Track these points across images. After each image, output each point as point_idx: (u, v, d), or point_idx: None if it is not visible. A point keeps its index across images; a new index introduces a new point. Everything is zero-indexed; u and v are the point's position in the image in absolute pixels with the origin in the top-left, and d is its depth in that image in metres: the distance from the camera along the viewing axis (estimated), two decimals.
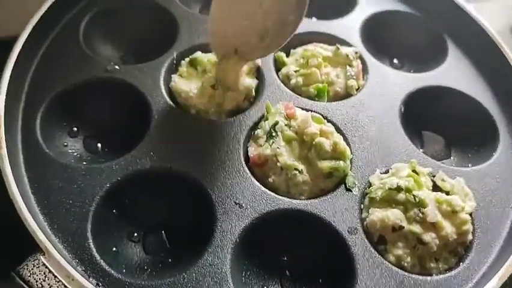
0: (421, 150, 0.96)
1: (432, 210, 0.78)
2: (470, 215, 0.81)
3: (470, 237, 0.80)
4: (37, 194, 0.79)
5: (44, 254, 0.70)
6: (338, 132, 0.90)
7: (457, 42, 1.09)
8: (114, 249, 0.80)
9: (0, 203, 0.75)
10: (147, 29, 1.07)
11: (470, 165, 0.92)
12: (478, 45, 1.06)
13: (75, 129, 0.94)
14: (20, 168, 0.81)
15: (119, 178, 0.82)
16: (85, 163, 0.89)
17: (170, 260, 0.81)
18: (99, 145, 0.94)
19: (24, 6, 0.98)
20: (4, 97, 0.84)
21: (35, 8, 0.97)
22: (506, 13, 1.59)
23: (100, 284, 0.72)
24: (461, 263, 0.78)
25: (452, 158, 0.97)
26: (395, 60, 1.13)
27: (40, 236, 0.71)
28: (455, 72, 1.03)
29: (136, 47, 1.06)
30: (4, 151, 0.78)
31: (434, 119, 1.00)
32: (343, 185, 0.84)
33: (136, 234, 0.84)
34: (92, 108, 0.94)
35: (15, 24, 0.95)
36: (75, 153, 0.91)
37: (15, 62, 0.88)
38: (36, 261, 0.69)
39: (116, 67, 0.96)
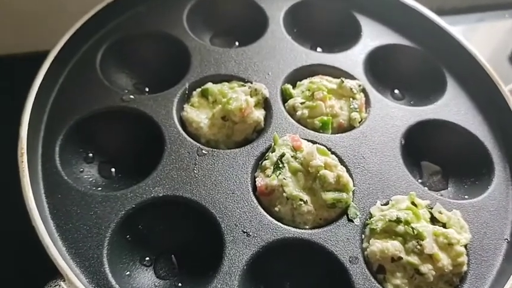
0: (420, 180, 1.01)
1: (429, 243, 0.82)
2: (466, 246, 0.86)
3: (465, 268, 0.84)
4: (56, 220, 0.84)
5: (64, 280, 0.74)
6: (342, 164, 0.94)
7: (455, 75, 1.14)
8: (127, 273, 0.84)
9: (20, 229, 0.80)
10: (160, 58, 1.12)
11: (466, 196, 0.97)
12: (474, 78, 1.11)
13: (91, 155, 0.98)
14: (41, 196, 0.86)
15: (133, 206, 0.86)
16: (100, 188, 0.93)
17: (180, 285, 0.85)
18: (113, 170, 0.99)
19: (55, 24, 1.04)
20: (27, 127, 0.88)
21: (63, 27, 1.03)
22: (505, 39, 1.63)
23: None
24: None
25: (449, 188, 1.02)
26: (396, 91, 1.18)
27: (61, 262, 0.75)
28: (453, 106, 1.08)
29: (150, 76, 1.11)
30: (27, 179, 0.83)
31: (432, 151, 1.04)
32: (345, 216, 0.89)
33: (148, 259, 0.88)
34: (108, 135, 0.99)
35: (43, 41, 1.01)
36: (90, 179, 0.95)
37: (37, 92, 0.93)
38: (57, 287, 0.74)
39: (131, 97, 1.00)
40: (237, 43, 1.22)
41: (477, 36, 1.64)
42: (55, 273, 0.76)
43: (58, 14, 1.22)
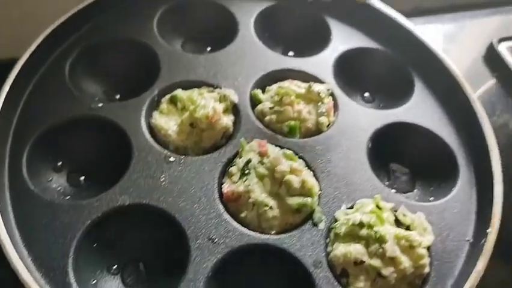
0: (388, 182, 1.02)
1: (391, 246, 0.83)
2: (428, 248, 0.87)
3: (427, 269, 0.85)
4: (22, 230, 0.84)
5: None
6: (309, 168, 0.95)
7: (423, 78, 1.14)
8: (93, 281, 0.85)
9: None
10: (130, 65, 1.12)
11: (432, 198, 0.98)
12: (441, 81, 1.12)
13: (59, 164, 0.98)
14: (7, 207, 0.86)
15: (99, 214, 0.87)
16: (68, 197, 0.94)
17: None
18: (82, 179, 0.99)
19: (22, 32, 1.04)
20: None
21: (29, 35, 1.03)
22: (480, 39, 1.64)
23: None
24: None
25: (415, 190, 1.03)
26: (366, 94, 1.19)
27: (25, 276, 0.76)
28: (420, 108, 1.09)
29: (120, 83, 1.11)
30: None
31: (400, 153, 1.05)
32: (310, 220, 0.90)
33: (115, 267, 0.88)
34: (76, 144, 0.99)
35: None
36: (59, 188, 0.96)
37: (3, 102, 0.93)
38: None
39: (100, 105, 1.01)
40: (208, 48, 1.23)
41: (453, 36, 1.65)
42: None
43: (24, 22, 1.23)
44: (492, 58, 1.46)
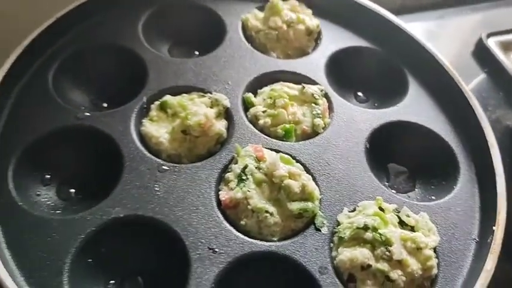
0: (387, 183, 1.00)
1: (397, 249, 0.81)
2: (435, 249, 0.85)
3: (435, 271, 0.83)
4: (12, 249, 0.80)
5: None
6: (307, 172, 0.93)
7: (416, 75, 1.13)
8: None
9: None
10: (116, 72, 1.09)
11: (433, 197, 0.97)
12: (435, 78, 1.11)
13: (48, 177, 0.94)
14: None
15: (93, 228, 0.83)
16: (59, 211, 0.90)
17: None
18: (72, 191, 0.95)
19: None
20: None
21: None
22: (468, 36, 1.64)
23: None
24: None
25: (416, 189, 1.01)
26: (360, 94, 1.18)
27: None
28: (415, 106, 1.07)
29: (107, 91, 1.07)
30: None
31: (398, 153, 1.04)
32: (313, 225, 0.87)
33: (113, 282, 0.85)
34: (64, 156, 0.95)
35: None
36: (48, 202, 0.92)
37: None
38: None
39: (87, 114, 0.97)
40: (196, 52, 1.20)
41: (440, 33, 1.65)
42: None
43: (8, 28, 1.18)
44: (481, 53, 1.46)
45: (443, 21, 1.68)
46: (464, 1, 1.71)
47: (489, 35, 1.45)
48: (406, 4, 1.66)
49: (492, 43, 1.44)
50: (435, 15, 1.69)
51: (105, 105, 1.07)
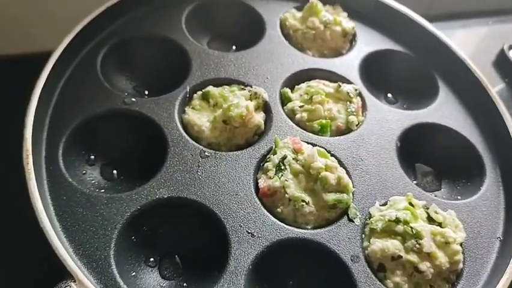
0: (414, 182, 1.04)
1: (428, 242, 0.85)
2: (461, 245, 0.89)
3: (461, 265, 0.87)
4: (63, 221, 0.84)
5: (74, 281, 0.75)
6: (341, 166, 0.97)
7: (446, 80, 1.18)
8: (133, 273, 0.85)
9: (27, 231, 0.80)
10: (160, 62, 1.13)
11: (459, 197, 1.01)
12: (464, 83, 1.16)
13: (92, 157, 0.99)
14: (46, 198, 0.86)
15: (139, 207, 0.87)
16: (103, 190, 0.94)
17: (185, 285, 0.87)
18: (115, 172, 0.99)
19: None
20: (31, 130, 0.89)
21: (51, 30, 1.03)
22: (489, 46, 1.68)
23: None
24: None
25: (442, 189, 1.05)
26: (389, 95, 1.22)
27: (70, 263, 0.76)
28: (445, 110, 1.12)
29: (149, 79, 1.12)
30: (33, 182, 0.83)
31: (426, 153, 1.08)
32: (346, 216, 0.91)
33: (152, 259, 0.89)
34: (109, 138, 1.00)
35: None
36: (93, 181, 0.96)
37: (40, 94, 0.93)
38: None
39: (133, 99, 1.02)
40: (234, 47, 1.24)
41: (461, 42, 1.69)
42: (63, 275, 0.77)
43: (46, 18, 1.24)
44: (502, 64, 1.51)
45: (466, 30, 1.71)
46: (487, 13, 1.74)
47: (511, 47, 1.50)
48: (430, 13, 1.69)
49: None
50: (458, 25, 1.72)
51: (146, 92, 1.12)
